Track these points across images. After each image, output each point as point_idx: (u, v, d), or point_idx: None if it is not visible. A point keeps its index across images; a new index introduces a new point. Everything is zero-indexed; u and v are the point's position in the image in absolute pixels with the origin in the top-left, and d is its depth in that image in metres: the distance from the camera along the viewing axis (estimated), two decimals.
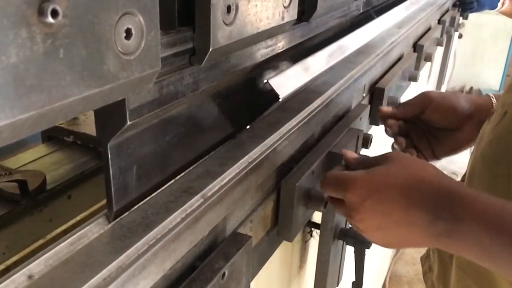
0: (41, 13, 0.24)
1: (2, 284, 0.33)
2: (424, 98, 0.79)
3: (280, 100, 0.63)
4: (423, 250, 1.03)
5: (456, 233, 0.48)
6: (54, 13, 0.25)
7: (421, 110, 0.79)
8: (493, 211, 0.47)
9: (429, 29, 1.59)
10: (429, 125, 0.81)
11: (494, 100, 0.77)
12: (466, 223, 0.48)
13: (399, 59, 1.22)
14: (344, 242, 0.89)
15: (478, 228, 0.47)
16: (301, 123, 0.64)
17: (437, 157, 0.82)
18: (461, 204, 0.49)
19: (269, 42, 0.59)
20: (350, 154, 0.64)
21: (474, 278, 0.70)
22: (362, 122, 0.92)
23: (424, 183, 0.52)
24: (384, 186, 0.54)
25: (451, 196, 0.50)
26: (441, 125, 0.79)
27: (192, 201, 0.45)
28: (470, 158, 0.73)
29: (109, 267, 0.36)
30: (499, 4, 1.85)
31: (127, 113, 0.38)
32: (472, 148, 0.76)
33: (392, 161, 0.57)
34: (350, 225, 0.91)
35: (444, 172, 0.55)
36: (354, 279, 0.90)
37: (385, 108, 0.81)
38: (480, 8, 1.92)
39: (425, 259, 0.95)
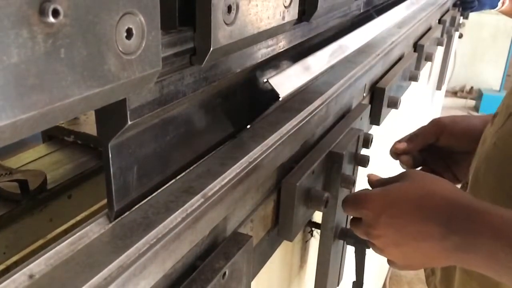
0: (42, 13, 0.24)
1: (3, 284, 0.33)
2: (436, 126, 0.79)
3: (280, 99, 0.63)
4: None
5: (472, 247, 0.49)
6: (55, 13, 0.25)
7: (436, 138, 0.78)
8: (510, 226, 0.47)
9: (429, 29, 1.59)
10: (446, 151, 0.80)
11: None
12: (483, 238, 0.48)
13: (400, 59, 1.22)
14: (345, 242, 0.89)
15: (495, 243, 0.47)
16: (302, 123, 0.64)
17: (459, 179, 0.82)
18: (477, 218, 0.49)
19: (270, 42, 0.59)
20: (374, 176, 0.67)
21: (479, 280, 0.70)
22: (363, 122, 0.91)
23: (436, 196, 0.53)
24: (398, 201, 0.55)
25: (466, 211, 0.51)
26: (458, 149, 0.78)
27: (192, 201, 0.45)
28: (473, 162, 0.73)
29: (110, 266, 0.36)
30: (499, 4, 1.85)
31: (128, 113, 0.38)
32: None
33: (407, 178, 0.58)
34: (351, 226, 0.91)
35: None
36: (354, 279, 0.90)
37: (400, 145, 0.80)
38: (480, 7, 1.92)
39: None
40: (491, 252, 0.47)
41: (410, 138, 0.80)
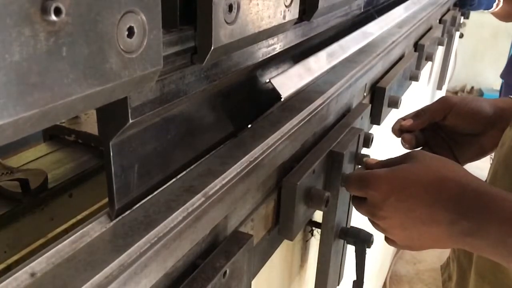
0: (44, 11, 0.24)
1: (5, 282, 0.33)
2: (445, 103, 0.77)
3: (282, 99, 0.63)
4: (423, 251, 1.03)
5: (481, 232, 0.48)
6: (57, 11, 0.25)
7: (443, 115, 0.76)
8: None
9: (430, 28, 1.59)
10: (450, 132, 0.78)
11: None
12: (492, 224, 0.47)
13: (400, 58, 1.22)
14: (345, 241, 0.89)
15: (504, 228, 0.47)
16: (302, 122, 0.64)
17: (461, 163, 0.79)
18: (487, 204, 0.49)
19: (271, 41, 0.59)
20: (372, 159, 0.65)
21: (493, 284, 0.70)
22: (363, 122, 0.92)
23: (448, 181, 0.52)
24: (407, 183, 0.53)
25: (477, 196, 0.50)
26: (464, 130, 0.76)
27: (193, 199, 0.45)
28: (492, 164, 0.72)
29: (111, 265, 0.36)
30: (494, 5, 1.86)
31: (129, 111, 0.38)
32: (493, 155, 0.75)
33: (416, 159, 0.56)
34: (351, 225, 0.91)
35: None
36: (355, 278, 0.90)
37: (406, 121, 0.78)
38: (478, 6, 1.92)
39: (444, 267, 0.94)
40: (499, 238, 0.47)
41: (417, 114, 0.78)
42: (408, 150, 0.65)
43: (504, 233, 0.47)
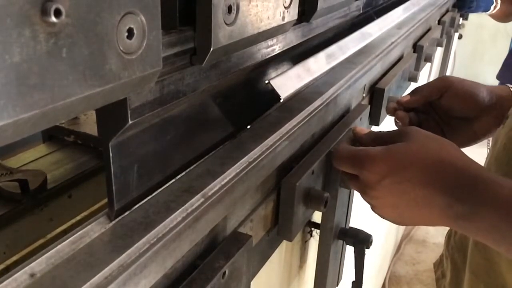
0: (44, 12, 0.24)
1: (4, 283, 0.33)
2: (444, 81, 0.76)
3: (281, 101, 0.63)
4: (422, 251, 1.03)
5: (475, 216, 0.48)
6: (57, 13, 0.25)
7: (440, 94, 0.75)
8: None
9: (429, 29, 1.60)
10: (445, 114, 0.77)
11: None
12: (487, 208, 0.47)
13: (399, 59, 1.22)
14: (344, 242, 0.90)
15: (498, 213, 0.46)
16: (301, 123, 0.64)
17: None
18: (483, 189, 0.48)
19: (270, 42, 0.59)
20: (360, 129, 0.62)
21: (486, 282, 0.70)
22: (362, 122, 0.92)
23: (445, 164, 0.51)
24: (403, 165, 0.52)
25: (473, 179, 0.49)
26: (460, 112, 0.75)
27: (192, 200, 0.45)
28: (485, 162, 0.72)
29: (111, 265, 0.36)
30: (492, 7, 1.87)
31: (129, 112, 0.38)
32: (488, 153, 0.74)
33: (412, 139, 0.54)
34: (350, 225, 0.92)
35: None
36: (354, 279, 0.90)
37: (403, 97, 0.77)
38: (477, 9, 1.93)
39: (438, 265, 0.94)
40: (493, 223, 0.47)
41: (414, 91, 0.77)
42: None
43: (498, 218, 0.47)
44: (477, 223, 0.48)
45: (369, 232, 0.86)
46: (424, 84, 0.78)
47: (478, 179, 0.49)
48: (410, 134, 0.55)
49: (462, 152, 0.54)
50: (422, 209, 0.52)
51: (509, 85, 0.76)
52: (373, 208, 0.57)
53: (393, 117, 0.79)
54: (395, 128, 0.78)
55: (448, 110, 0.76)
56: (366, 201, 0.58)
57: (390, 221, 0.57)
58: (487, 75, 4.97)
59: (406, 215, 0.54)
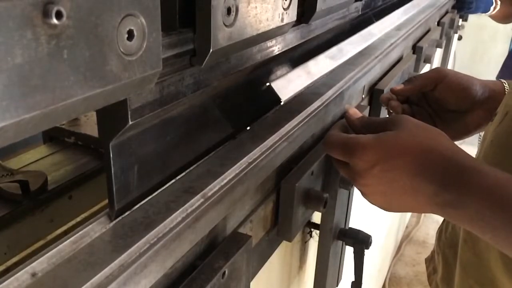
0: (46, 14, 0.25)
1: (6, 282, 0.33)
2: (438, 73, 0.76)
3: (282, 103, 0.63)
4: (422, 252, 1.03)
5: (461, 204, 0.49)
6: (59, 15, 0.25)
7: (434, 85, 0.76)
8: (501, 187, 0.47)
9: (428, 31, 1.60)
10: (438, 106, 0.78)
11: (506, 86, 0.75)
12: (473, 196, 0.48)
13: (399, 60, 1.22)
14: (344, 243, 0.90)
15: (484, 201, 0.47)
16: (301, 124, 0.65)
17: None
18: (470, 177, 0.49)
19: (269, 43, 0.59)
20: (353, 112, 0.63)
21: (476, 277, 0.70)
22: None
23: (433, 153, 0.52)
24: (393, 154, 0.53)
25: (461, 169, 0.50)
26: (452, 105, 0.76)
27: (192, 200, 0.45)
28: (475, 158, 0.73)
29: (111, 265, 0.36)
30: (491, 8, 1.87)
31: (129, 113, 0.38)
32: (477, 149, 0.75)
33: (402, 127, 0.55)
34: (349, 226, 0.92)
35: None
36: (353, 280, 0.90)
37: (397, 86, 0.77)
38: (476, 10, 1.94)
39: (429, 261, 0.94)
40: (478, 210, 0.48)
41: (409, 80, 0.78)
42: None
43: (483, 207, 0.47)
44: (463, 211, 0.49)
45: (368, 233, 0.86)
46: (419, 74, 0.79)
47: (465, 168, 0.50)
48: (400, 123, 0.56)
49: (451, 141, 0.55)
50: (410, 196, 0.52)
51: (502, 80, 0.76)
52: (363, 194, 0.59)
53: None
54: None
55: (441, 101, 0.77)
56: (357, 188, 0.59)
57: (379, 207, 0.58)
58: (487, 76, 4.96)
59: (394, 202, 0.55)
